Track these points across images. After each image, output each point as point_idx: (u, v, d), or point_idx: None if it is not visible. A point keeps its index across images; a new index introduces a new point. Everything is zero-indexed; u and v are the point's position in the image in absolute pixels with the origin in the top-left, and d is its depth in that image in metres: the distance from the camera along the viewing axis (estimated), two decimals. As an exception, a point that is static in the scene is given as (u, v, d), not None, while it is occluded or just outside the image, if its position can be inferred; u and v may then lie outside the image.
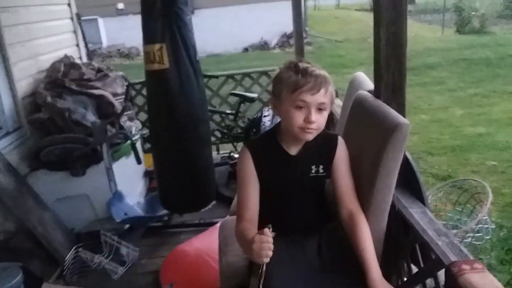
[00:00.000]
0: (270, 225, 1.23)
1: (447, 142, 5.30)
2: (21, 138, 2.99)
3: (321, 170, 1.49)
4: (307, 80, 1.34)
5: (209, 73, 4.09)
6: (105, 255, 2.62)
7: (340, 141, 1.53)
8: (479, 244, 2.33)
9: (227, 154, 4.03)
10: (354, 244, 1.40)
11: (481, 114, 6.17)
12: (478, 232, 2.11)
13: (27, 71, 3.16)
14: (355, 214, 1.44)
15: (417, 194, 1.57)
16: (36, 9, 3.40)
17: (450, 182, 2.67)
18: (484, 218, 2.12)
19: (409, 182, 1.60)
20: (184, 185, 2.51)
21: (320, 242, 1.50)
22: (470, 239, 2.11)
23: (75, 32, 4.07)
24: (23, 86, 3.06)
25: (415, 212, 1.48)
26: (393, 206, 1.49)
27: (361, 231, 1.40)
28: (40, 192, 2.85)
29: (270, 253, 1.19)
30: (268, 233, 1.20)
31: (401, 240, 1.55)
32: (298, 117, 1.35)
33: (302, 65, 1.38)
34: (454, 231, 2.15)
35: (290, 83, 1.35)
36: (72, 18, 4.04)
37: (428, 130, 5.73)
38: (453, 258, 1.22)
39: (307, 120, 1.35)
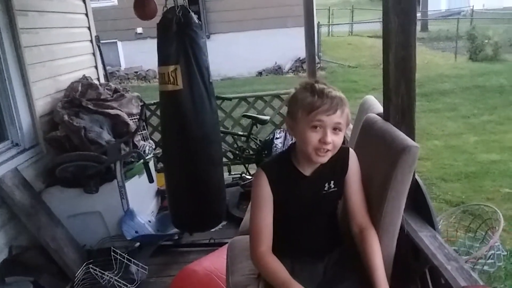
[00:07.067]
0: None
1: (461, 168, 5.25)
2: (38, 155, 3.06)
3: (332, 186, 1.47)
4: (323, 101, 1.32)
5: (222, 95, 4.16)
6: (115, 273, 2.64)
7: (352, 153, 1.51)
8: (492, 272, 2.28)
9: (239, 175, 4.05)
10: (364, 259, 1.40)
11: (495, 141, 6.12)
12: (491, 258, 2.08)
13: (46, 90, 3.25)
14: (366, 229, 1.44)
15: (427, 218, 1.57)
16: (57, 31, 3.52)
17: (462, 208, 2.64)
18: (496, 244, 2.09)
19: (418, 205, 1.60)
20: (195, 205, 2.53)
21: (327, 265, 1.50)
22: (482, 265, 2.07)
23: (94, 54, 4.19)
24: (41, 105, 3.15)
25: (424, 236, 1.48)
26: (402, 229, 1.49)
27: (371, 247, 1.40)
28: (53, 208, 2.90)
29: None
30: None
31: (410, 264, 1.54)
32: (313, 138, 1.34)
33: (318, 86, 1.37)
34: (466, 257, 2.12)
35: (306, 104, 1.34)
36: (91, 41, 4.17)
37: (441, 156, 5.70)
38: (462, 283, 1.21)
39: (323, 141, 1.33)
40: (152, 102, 4.08)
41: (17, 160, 2.85)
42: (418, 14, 18.09)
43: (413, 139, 1.52)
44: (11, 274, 2.50)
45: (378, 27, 16.73)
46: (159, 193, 3.70)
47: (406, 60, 1.55)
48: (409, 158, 1.38)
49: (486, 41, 12.53)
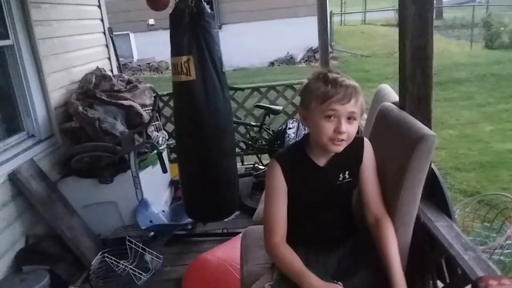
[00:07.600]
0: (340, 283, 1.27)
1: (476, 158, 5.17)
2: (53, 146, 3.10)
3: (347, 176, 1.46)
4: (337, 90, 1.31)
5: (235, 86, 4.16)
6: (130, 261, 2.67)
7: (366, 142, 1.50)
8: (508, 262, 2.26)
9: (252, 166, 4.06)
10: (379, 249, 1.39)
11: (511, 130, 6.01)
12: (507, 248, 2.05)
13: (60, 82, 3.28)
14: (382, 219, 1.43)
15: (443, 207, 1.55)
16: (70, 23, 3.54)
17: (478, 197, 2.61)
18: (513, 234, 2.06)
19: (435, 195, 1.58)
20: (208, 195, 2.54)
21: (342, 255, 1.50)
22: (498, 256, 2.05)
23: (107, 45, 4.22)
24: (56, 96, 3.18)
25: (441, 226, 1.46)
26: (418, 219, 1.47)
27: (387, 237, 1.38)
28: (69, 198, 2.94)
29: None
30: None
31: (426, 254, 1.52)
32: (328, 128, 1.32)
33: (331, 75, 1.35)
34: (482, 247, 2.10)
35: (319, 94, 1.32)
36: (104, 33, 4.18)
37: (456, 145, 5.62)
38: (480, 273, 1.19)
39: (337, 131, 1.32)
40: (165, 93, 4.10)
41: (33, 151, 2.89)
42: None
43: (430, 128, 1.49)
44: (28, 263, 2.55)
45: (391, 15, 16.55)
46: (172, 183, 3.73)
47: (422, 48, 1.52)
48: (425, 147, 1.36)
49: (502, 28, 12.30)
